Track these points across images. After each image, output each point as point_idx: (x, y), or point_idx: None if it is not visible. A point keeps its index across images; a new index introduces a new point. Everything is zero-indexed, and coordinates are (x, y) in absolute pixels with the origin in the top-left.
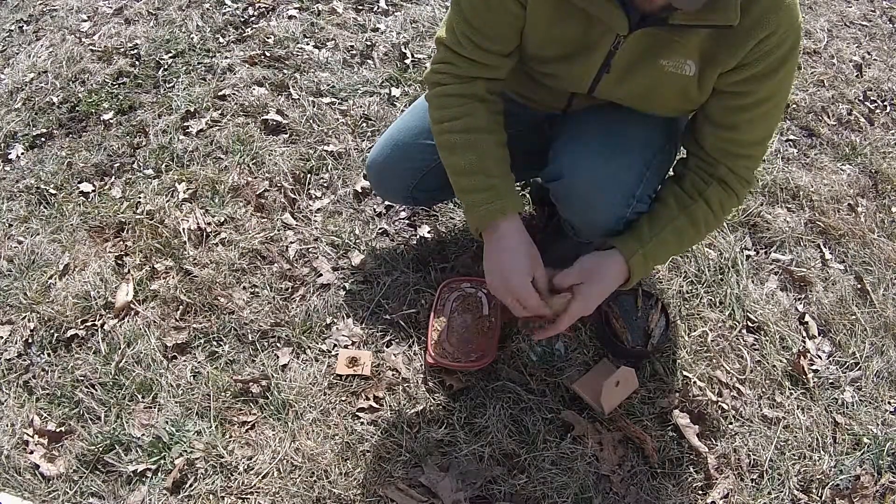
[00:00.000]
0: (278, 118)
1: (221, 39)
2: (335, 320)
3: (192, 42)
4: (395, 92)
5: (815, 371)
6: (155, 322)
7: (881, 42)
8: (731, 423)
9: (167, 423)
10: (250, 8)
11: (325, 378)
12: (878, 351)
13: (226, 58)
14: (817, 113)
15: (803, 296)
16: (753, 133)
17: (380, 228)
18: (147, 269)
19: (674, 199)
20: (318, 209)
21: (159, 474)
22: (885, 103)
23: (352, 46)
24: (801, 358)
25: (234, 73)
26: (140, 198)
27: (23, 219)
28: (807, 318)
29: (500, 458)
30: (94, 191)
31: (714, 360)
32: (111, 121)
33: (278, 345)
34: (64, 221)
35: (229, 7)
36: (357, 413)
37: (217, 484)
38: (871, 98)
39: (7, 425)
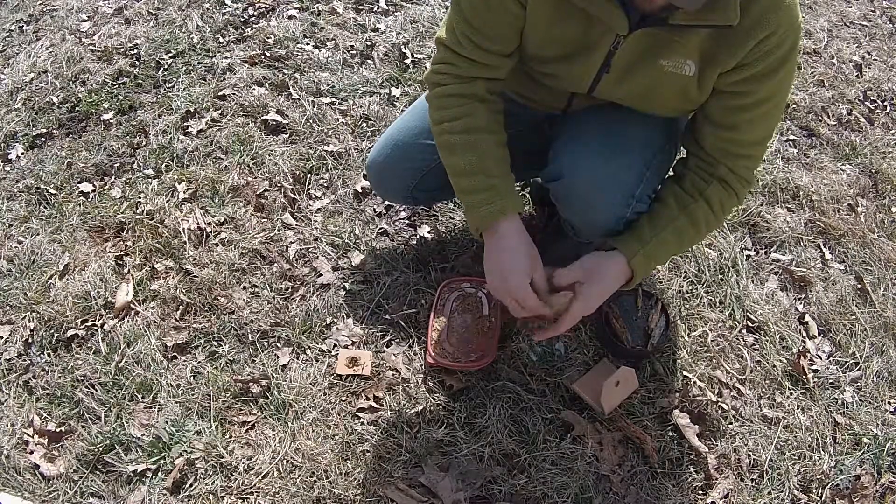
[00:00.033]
0: (278, 118)
1: (221, 39)
2: (335, 320)
3: (192, 42)
4: (395, 92)
5: (815, 371)
6: (155, 322)
7: (881, 42)
8: (731, 423)
9: (167, 423)
10: (250, 8)
11: (325, 378)
12: (878, 351)
13: (226, 58)
14: (817, 113)
15: (803, 296)
16: (753, 133)
17: (380, 228)
18: (147, 269)
19: (674, 199)
20: (318, 209)
21: (159, 474)
22: (885, 103)
23: (352, 46)
24: (801, 358)
25: (234, 73)
26: (140, 198)
27: (23, 219)
28: (807, 318)
29: (500, 458)
30: (94, 191)
31: (714, 360)
32: (111, 121)
33: (278, 345)
34: (64, 221)
35: (229, 7)
36: (357, 413)
37: (217, 484)
38: (871, 98)
39: (7, 425)
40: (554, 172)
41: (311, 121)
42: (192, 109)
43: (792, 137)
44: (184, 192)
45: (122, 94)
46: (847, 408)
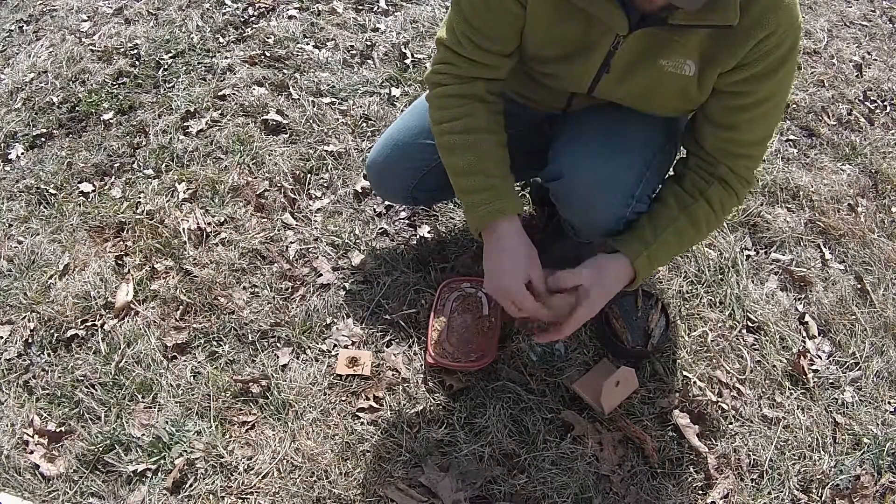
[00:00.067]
0: (278, 118)
1: (221, 39)
2: (335, 320)
3: (192, 42)
4: (395, 92)
5: (815, 371)
6: (155, 322)
7: (881, 42)
8: (731, 423)
9: (167, 423)
10: (250, 8)
11: (325, 378)
12: (878, 351)
13: (226, 58)
14: (817, 113)
15: (803, 296)
16: (753, 133)
17: (380, 228)
18: (147, 269)
19: (674, 199)
20: (318, 209)
21: (159, 474)
22: (885, 103)
23: (352, 46)
24: (801, 358)
25: (234, 73)
26: (140, 198)
27: (23, 219)
28: (807, 318)
29: (500, 458)
30: (94, 191)
31: (714, 360)
32: (111, 121)
33: (278, 345)
34: (64, 221)
35: (229, 7)
36: (357, 413)
37: (217, 484)
38: (871, 98)
39: (7, 425)
40: (554, 172)
41: (311, 121)
42: (192, 109)
43: (792, 137)
44: (184, 192)
45: (122, 94)
46: (847, 408)
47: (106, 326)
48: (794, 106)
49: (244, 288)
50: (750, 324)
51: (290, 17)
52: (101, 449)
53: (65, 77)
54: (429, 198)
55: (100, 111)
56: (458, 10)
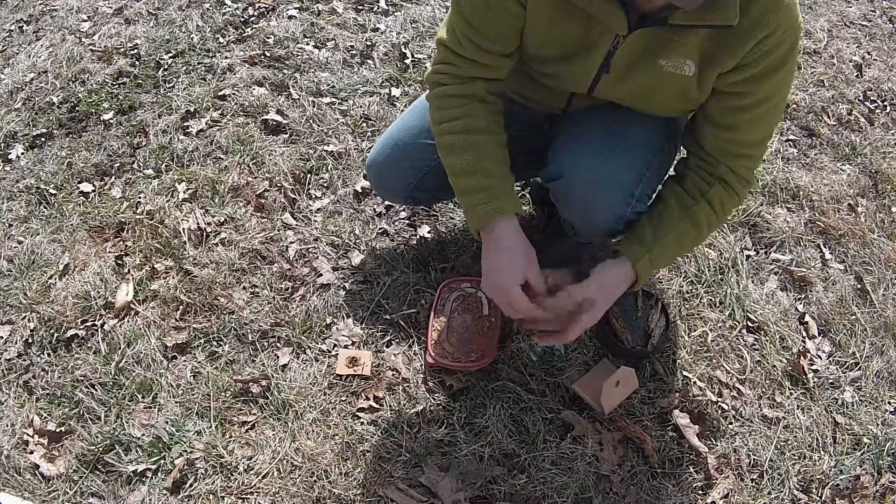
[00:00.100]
0: (278, 118)
1: (221, 39)
2: (335, 320)
3: (192, 42)
4: (395, 92)
5: (815, 371)
6: (155, 322)
7: (881, 42)
8: (731, 423)
9: (167, 423)
10: (250, 8)
11: (325, 378)
12: (878, 351)
13: (226, 58)
14: (817, 113)
15: (803, 296)
16: (753, 133)
17: (380, 228)
18: (147, 269)
19: (675, 200)
20: (318, 209)
21: (159, 474)
22: (885, 103)
23: (352, 46)
24: (801, 358)
25: (234, 73)
26: (140, 198)
27: (23, 219)
28: (807, 318)
29: (500, 458)
30: (94, 191)
31: (714, 360)
32: (111, 121)
33: (278, 345)
34: (64, 221)
35: (229, 7)
36: (357, 413)
37: (217, 484)
38: (871, 98)
39: (7, 425)
40: (554, 172)
41: (311, 121)
42: (192, 109)
43: (792, 137)
44: (184, 192)
45: (122, 94)
46: (847, 408)
47: (106, 326)
48: (794, 106)
49: (244, 288)
50: (750, 324)
51: (290, 17)
52: (101, 449)
53: (65, 77)
54: (429, 197)
55: (100, 111)
56: (459, 10)
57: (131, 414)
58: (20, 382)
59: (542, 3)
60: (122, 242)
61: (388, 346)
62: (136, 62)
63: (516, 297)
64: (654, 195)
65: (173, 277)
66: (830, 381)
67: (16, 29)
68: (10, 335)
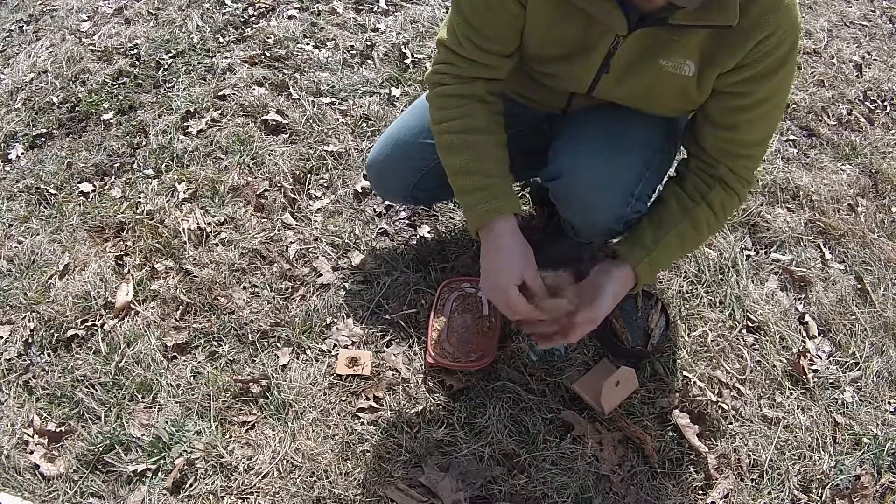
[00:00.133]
0: (278, 118)
1: (221, 39)
2: (335, 320)
3: (192, 42)
4: (395, 92)
5: (815, 371)
6: (155, 322)
7: (881, 42)
8: (731, 423)
9: (167, 423)
10: (250, 8)
11: (325, 378)
12: (878, 351)
13: (226, 58)
14: (817, 113)
15: (803, 296)
16: (753, 133)
17: (380, 228)
18: (147, 269)
19: (676, 202)
20: (318, 209)
21: (159, 474)
22: (885, 103)
23: (352, 46)
24: (801, 358)
25: (234, 73)
26: (140, 198)
27: (23, 219)
28: (807, 318)
29: (500, 458)
30: (94, 191)
31: (714, 360)
32: (111, 121)
33: (278, 345)
34: (64, 221)
35: (229, 7)
36: (357, 413)
37: (217, 484)
38: (871, 98)
39: (7, 425)
40: (553, 172)
41: (311, 121)
42: (192, 109)
43: (792, 137)
44: (184, 192)
45: (122, 94)
46: (847, 408)
47: (106, 326)
48: (794, 106)
49: (244, 288)
50: (750, 324)
51: (290, 17)
52: (101, 449)
53: (65, 77)
54: (429, 197)
55: (100, 111)
56: (459, 10)
57: (131, 414)
58: (20, 382)
59: (542, 3)
60: (122, 242)
61: (388, 346)
62: (136, 62)
63: (513, 298)
64: (654, 195)
65: (173, 277)
66: (830, 381)
67: (16, 29)
68: (10, 335)
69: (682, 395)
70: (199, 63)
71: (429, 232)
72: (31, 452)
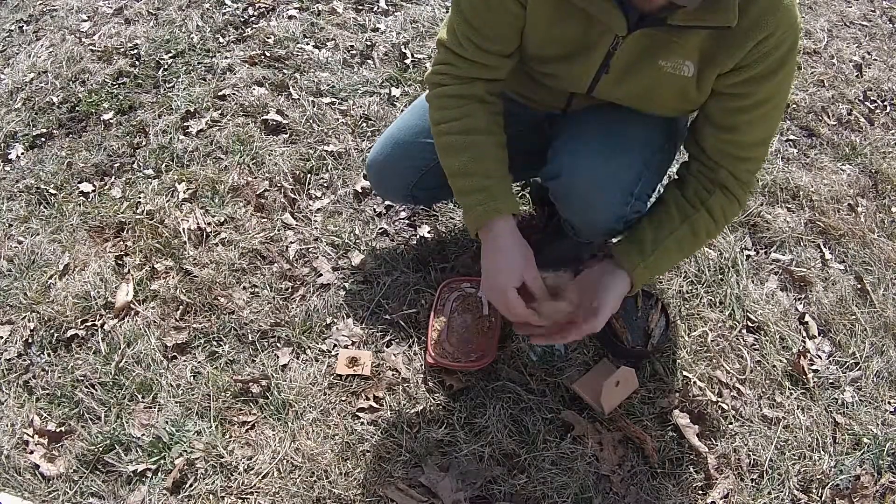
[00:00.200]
0: (278, 118)
1: (221, 39)
2: (335, 320)
3: (192, 42)
4: (395, 92)
5: (815, 371)
6: (155, 322)
7: (881, 42)
8: (731, 423)
9: (167, 423)
10: (250, 8)
11: (325, 378)
12: (878, 351)
13: (226, 58)
14: (817, 113)
15: (803, 296)
16: (753, 134)
17: (380, 228)
18: (147, 269)
19: (675, 208)
20: (318, 209)
21: (159, 474)
22: (885, 103)
23: (352, 46)
24: (801, 358)
25: (234, 73)
26: (140, 198)
27: (23, 219)
28: (807, 318)
29: (500, 458)
30: (94, 191)
31: (714, 360)
32: (111, 121)
33: (278, 345)
34: (64, 221)
35: (229, 7)
36: (357, 413)
37: (217, 484)
38: (871, 98)
39: (7, 425)
40: (553, 171)
41: (311, 121)
42: (192, 109)
43: (792, 137)
44: (184, 192)
45: (122, 94)
46: (847, 408)
47: (106, 326)
48: (794, 106)
49: (244, 288)
50: (750, 324)
51: (290, 17)
52: (101, 449)
53: (65, 77)
54: (429, 196)
55: (100, 111)
56: (459, 10)
57: (131, 414)
58: (20, 382)
59: (542, 3)
60: (122, 242)
61: (388, 346)
62: (136, 62)
63: (512, 300)
64: (654, 194)
65: (173, 277)
66: (830, 381)
67: (16, 29)
68: (10, 335)
69: (682, 395)
70: (199, 63)
71: (429, 232)
72: (31, 452)
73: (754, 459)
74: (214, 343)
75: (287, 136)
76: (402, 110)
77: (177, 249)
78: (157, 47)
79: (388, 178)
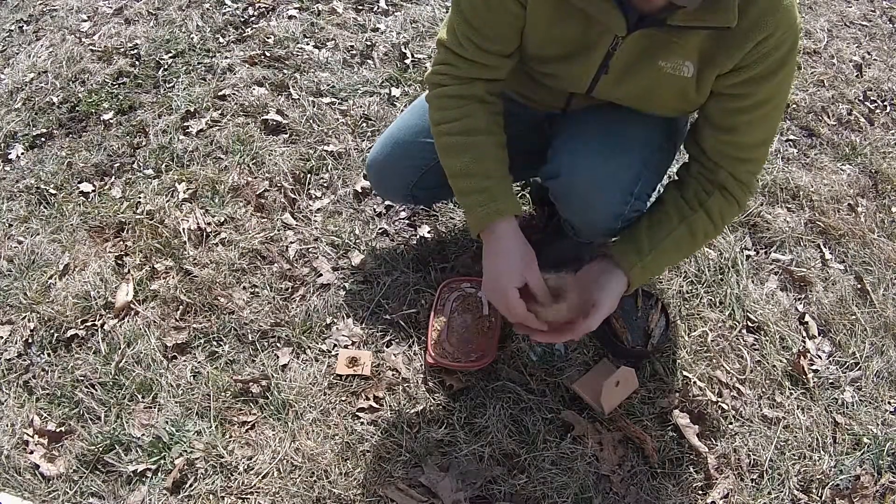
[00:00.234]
0: (278, 118)
1: (221, 39)
2: (335, 320)
3: (192, 42)
4: (395, 92)
5: (815, 371)
6: (155, 322)
7: (881, 42)
8: (731, 423)
9: (167, 423)
10: (250, 8)
11: (325, 378)
12: (878, 351)
13: (226, 58)
14: (817, 113)
15: (803, 296)
16: (753, 135)
17: (380, 228)
18: (147, 269)
19: (674, 209)
20: (318, 209)
21: (159, 474)
22: (885, 103)
23: (352, 46)
24: (801, 358)
25: (234, 73)
26: (140, 198)
27: (23, 219)
28: (807, 318)
29: (500, 458)
30: (94, 191)
31: (714, 360)
32: (111, 121)
33: (278, 345)
34: (64, 221)
35: (229, 7)
36: (357, 413)
37: (217, 484)
38: (871, 98)
39: (7, 425)
40: (553, 171)
41: (311, 121)
42: (192, 109)
43: (792, 137)
44: (184, 192)
45: (122, 94)
46: (847, 408)
47: (106, 326)
48: (794, 106)
49: (244, 288)
50: (750, 324)
51: (290, 17)
52: (101, 449)
53: (65, 77)
54: (429, 196)
55: (100, 111)
56: (459, 10)
57: (131, 414)
58: (20, 382)
59: (541, 3)
60: (122, 242)
61: (388, 346)
62: (136, 62)
63: (513, 301)
64: (653, 194)
65: (173, 277)
66: (830, 381)
67: (16, 29)
68: (10, 335)
69: (682, 395)
70: (199, 63)
71: (429, 232)
72: (31, 452)
73: (754, 459)
74: (214, 343)
75: (287, 136)
76: (402, 110)
77: (177, 249)
78: (157, 47)
79: (388, 177)
